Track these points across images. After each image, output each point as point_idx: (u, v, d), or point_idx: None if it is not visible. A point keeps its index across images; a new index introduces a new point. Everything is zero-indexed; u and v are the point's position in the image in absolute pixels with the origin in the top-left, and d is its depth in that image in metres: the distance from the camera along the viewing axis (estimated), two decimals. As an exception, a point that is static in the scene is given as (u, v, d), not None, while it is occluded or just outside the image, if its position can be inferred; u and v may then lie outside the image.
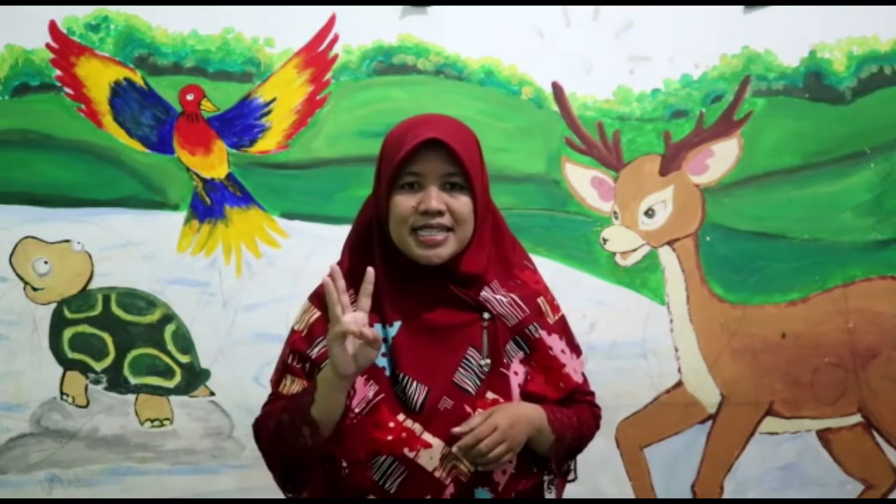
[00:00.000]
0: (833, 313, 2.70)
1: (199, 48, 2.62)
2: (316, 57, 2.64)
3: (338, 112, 2.64)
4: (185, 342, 2.66)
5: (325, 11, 2.63)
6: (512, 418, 1.52)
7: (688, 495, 2.72)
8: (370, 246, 1.61)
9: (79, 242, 2.64)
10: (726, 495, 2.72)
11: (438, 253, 1.54)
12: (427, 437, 1.51)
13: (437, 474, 1.51)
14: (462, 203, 1.55)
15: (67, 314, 2.65)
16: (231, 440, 2.67)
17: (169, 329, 2.65)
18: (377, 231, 1.60)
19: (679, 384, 2.70)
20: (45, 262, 2.64)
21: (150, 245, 2.64)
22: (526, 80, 2.65)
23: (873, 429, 2.72)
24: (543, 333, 1.62)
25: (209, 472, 2.67)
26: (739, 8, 2.66)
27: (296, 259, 2.62)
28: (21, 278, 2.64)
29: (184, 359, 2.66)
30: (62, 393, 2.65)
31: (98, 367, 2.65)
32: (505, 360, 1.57)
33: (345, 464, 1.52)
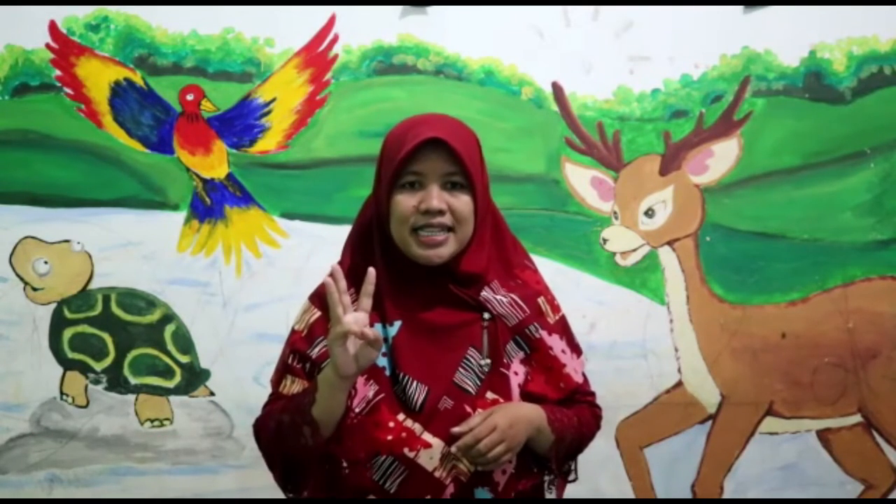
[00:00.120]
0: (833, 313, 2.70)
1: (199, 48, 2.62)
2: (316, 57, 2.64)
3: (338, 112, 2.64)
4: (185, 342, 2.66)
5: (325, 11, 2.63)
6: (511, 418, 1.52)
7: (688, 495, 2.72)
8: (370, 245, 1.61)
9: (79, 242, 2.64)
10: (726, 495, 2.72)
11: (439, 253, 1.54)
12: (427, 436, 1.51)
13: (437, 474, 1.51)
14: (463, 202, 1.55)
15: (67, 314, 2.65)
16: (231, 440, 2.67)
17: (169, 329, 2.65)
18: (377, 230, 1.60)
19: (679, 384, 2.70)
20: (45, 262, 2.64)
21: (150, 245, 2.64)
22: (526, 80, 2.65)
23: (873, 429, 2.72)
24: (544, 333, 1.62)
25: (209, 472, 2.67)
26: (739, 8, 2.67)
27: (296, 259, 2.62)
28: (21, 278, 2.64)
29: (184, 359, 2.66)
30: (62, 393, 2.65)
31: (98, 367, 2.65)
32: (505, 360, 1.57)
33: (345, 464, 1.52)
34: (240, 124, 2.64)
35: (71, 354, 2.65)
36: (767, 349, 2.70)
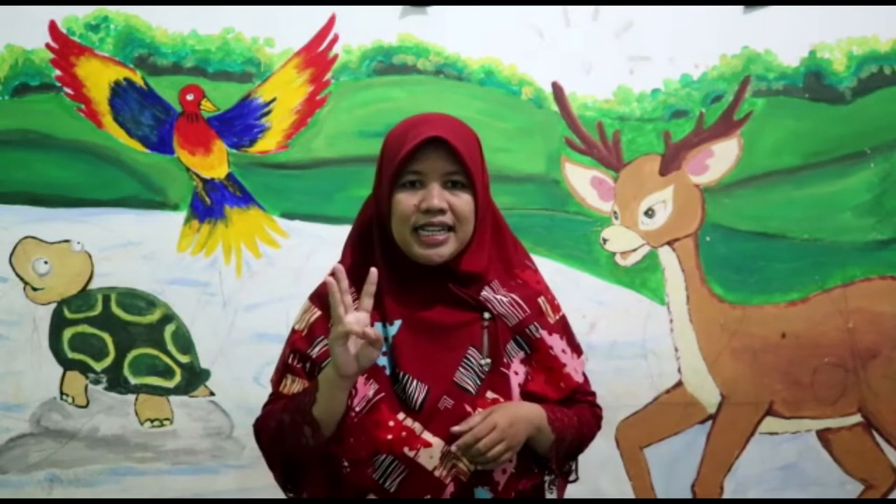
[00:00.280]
0: (833, 313, 2.70)
1: (199, 48, 2.62)
2: (316, 57, 2.64)
3: (338, 112, 2.64)
4: (185, 342, 2.66)
5: (325, 11, 2.63)
6: (511, 417, 1.52)
7: (688, 495, 2.72)
8: (371, 245, 1.61)
9: (79, 242, 2.64)
10: (726, 495, 2.72)
11: (439, 252, 1.54)
12: (427, 436, 1.51)
13: (437, 473, 1.51)
14: (463, 201, 1.55)
15: (67, 314, 2.65)
16: (231, 440, 2.67)
17: (169, 329, 2.65)
18: (378, 230, 1.60)
19: (679, 384, 2.70)
20: (45, 262, 2.64)
21: (150, 245, 2.64)
22: (526, 80, 2.65)
23: (873, 429, 2.72)
24: (544, 333, 1.62)
25: (209, 472, 2.67)
26: (739, 8, 2.67)
27: (296, 259, 2.62)
28: (21, 278, 2.63)
29: (184, 359, 2.66)
30: (62, 393, 2.65)
31: (98, 367, 2.65)
32: (505, 360, 1.57)
33: (346, 463, 1.52)
34: (240, 124, 2.64)
35: (71, 354, 2.65)
36: (767, 349, 2.70)
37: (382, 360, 1.53)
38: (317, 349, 1.58)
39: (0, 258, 2.62)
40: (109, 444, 2.66)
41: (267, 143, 2.65)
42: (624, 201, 2.69)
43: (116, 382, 2.66)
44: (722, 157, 2.68)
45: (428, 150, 1.54)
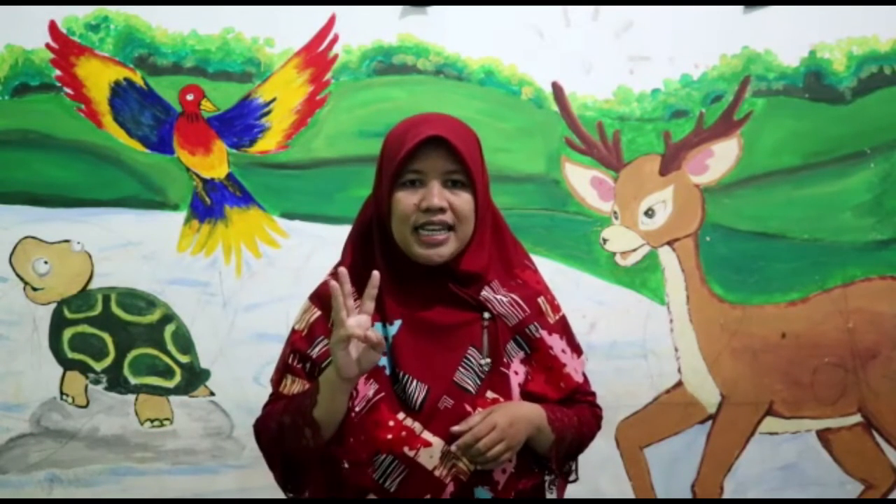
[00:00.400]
0: (833, 313, 2.70)
1: (199, 48, 2.62)
2: (316, 57, 2.64)
3: (338, 112, 2.64)
4: (185, 342, 2.66)
5: (325, 11, 2.63)
6: (511, 417, 1.52)
7: (688, 495, 2.72)
8: (371, 245, 1.61)
9: (79, 242, 2.64)
10: (726, 495, 2.72)
11: (439, 252, 1.54)
12: (427, 435, 1.51)
13: (437, 473, 1.51)
14: (464, 200, 1.56)
15: (67, 314, 2.65)
16: (231, 440, 2.67)
17: (169, 329, 2.65)
18: (378, 230, 1.60)
19: (679, 384, 2.70)
20: (45, 262, 2.64)
21: (150, 245, 2.64)
22: (526, 80, 2.65)
23: (873, 429, 2.72)
24: (544, 333, 1.62)
25: (209, 472, 2.67)
26: (739, 8, 2.67)
27: (296, 259, 2.62)
28: (21, 278, 2.63)
29: (184, 359, 2.66)
30: (62, 393, 2.65)
31: (98, 367, 2.65)
32: (505, 360, 1.57)
33: (346, 465, 1.51)
34: (240, 124, 2.64)
35: (71, 354, 2.65)
36: (767, 349, 2.70)
37: (382, 360, 1.53)
38: (317, 349, 1.58)
39: (0, 258, 2.62)
40: (109, 444, 2.66)
41: (267, 143, 2.65)
42: (624, 201, 2.69)
43: (116, 382, 2.66)
44: (722, 157, 2.68)
45: (428, 149, 1.54)
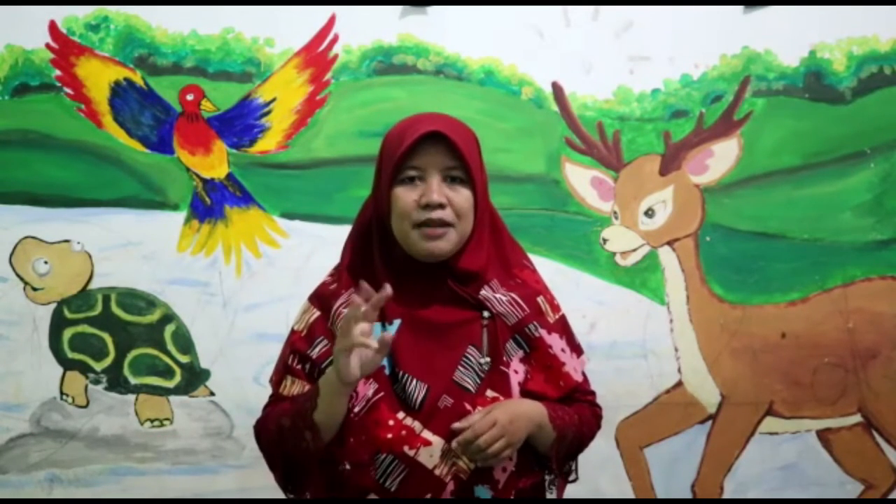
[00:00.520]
0: (833, 313, 2.70)
1: (199, 48, 2.62)
2: (316, 57, 2.64)
3: (338, 112, 2.64)
4: (185, 342, 2.66)
5: (325, 11, 2.63)
6: (511, 414, 1.52)
7: (688, 495, 2.72)
8: (370, 245, 1.61)
9: (79, 242, 2.64)
10: (726, 495, 2.72)
11: (439, 245, 1.54)
12: (427, 434, 1.51)
13: (437, 472, 1.51)
14: (463, 196, 1.56)
15: (67, 314, 2.65)
16: (231, 440, 2.67)
17: (169, 329, 2.65)
18: (377, 229, 1.60)
19: (679, 384, 2.70)
20: (45, 262, 2.64)
21: (150, 245, 2.64)
22: (526, 80, 2.65)
23: (873, 429, 2.72)
24: (543, 332, 1.62)
25: (209, 472, 2.67)
26: (739, 8, 2.67)
27: (296, 259, 2.62)
28: (21, 278, 2.63)
29: (184, 359, 2.66)
30: (62, 393, 2.65)
31: (98, 367, 2.65)
32: (505, 359, 1.57)
33: (347, 466, 1.51)
34: (240, 124, 2.64)
35: (71, 354, 2.65)
36: (767, 349, 2.70)
37: (382, 360, 1.53)
38: (317, 350, 1.58)
39: (0, 258, 2.62)
40: (109, 444, 2.66)
41: (267, 143, 2.65)
42: (624, 201, 2.69)
43: (116, 382, 2.66)
44: (722, 157, 2.68)
45: (427, 145, 1.54)
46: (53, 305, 2.65)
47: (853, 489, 2.73)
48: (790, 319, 2.70)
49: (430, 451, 1.51)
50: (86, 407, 2.66)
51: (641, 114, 2.68)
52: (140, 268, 2.64)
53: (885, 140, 2.68)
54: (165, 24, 2.61)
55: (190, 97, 2.61)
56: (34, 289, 2.64)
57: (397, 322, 1.56)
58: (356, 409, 1.51)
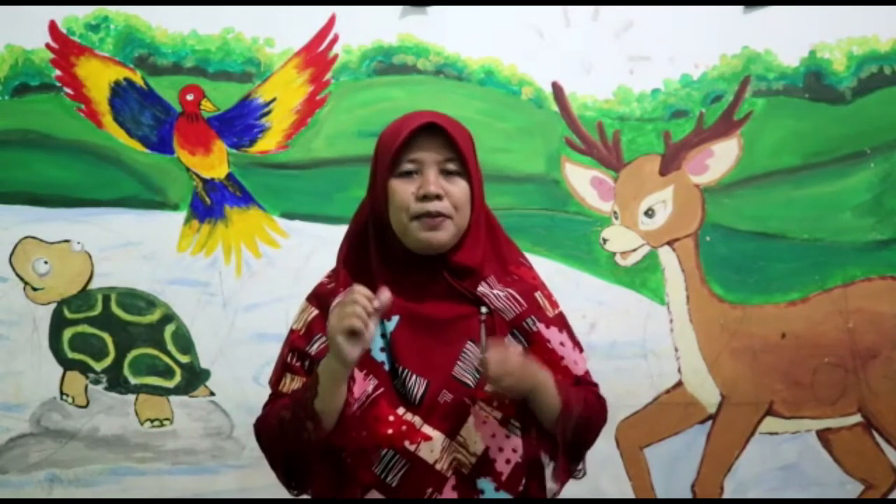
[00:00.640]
0: (833, 313, 2.70)
1: (199, 48, 2.62)
2: (316, 57, 2.64)
3: (338, 112, 2.64)
4: (185, 342, 2.66)
5: (325, 11, 2.63)
6: (525, 359, 1.52)
7: (688, 495, 2.72)
8: (367, 244, 1.62)
9: (79, 242, 2.64)
10: (726, 495, 2.72)
11: (438, 236, 1.55)
12: (427, 429, 1.52)
13: (437, 467, 1.52)
14: (460, 188, 1.57)
15: (67, 314, 2.65)
16: (231, 440, 2.67)
17: (169, 329, 2.65)
18: (374, 227, 1.61)
19: (679, 384, 2.70)
20: (45, 262, 2.64)
21: (150, 245, 2.64)
22: (526, 80, 2.65)
23: (873, 429, 2.72)
24: (541, 326, 1.62)
25: (209, 472, 2.67)
26: (739, 8, 2.67)
27: (296, 259, 2.62)
28: (21, 278, 2.64)
29: (184, 359, 2.66)
30: (62, 393, 2.65)
31: (98, 367, 2.65)
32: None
33: (349, 459, 1.52)
34: (240, 124, 2.64)
35: (71, 354, 2.65)
36: (767, 349, 2.70)
37: (381, 356, 1.55)
38: (315, 346, 1.59)
39: (0, 258, 2.62)
40: (109, 444, 2.66)
41: (267, 143, 2.65)
42: (624, 201, 2.69)
43: (116, 382, 2.66)
44: (722, 157, 2.68)
45: (423, 139, 1.56)
46: (53, 305, 2.65)
47: (853, 489, 2.73)
48: (790, 319, 2.70)
49: (431, 446, 1.51)
50: (86, 407, 2.66)
51: (641, 114, 2.68)
52: (140, 268, 2.64)
53: (885, 140, 2.68)
54: (165, 24, 2.61)
55: (190, 97, 2.62)
56: (34, 289, 2.64)
57: (396, 318, 1.56)
58: (356, 405, 1.52)
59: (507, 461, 1.55)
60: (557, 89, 2.66)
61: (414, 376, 1.53)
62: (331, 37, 2.64)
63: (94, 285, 2.64)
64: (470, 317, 1.58)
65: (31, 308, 2.64)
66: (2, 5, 2.59)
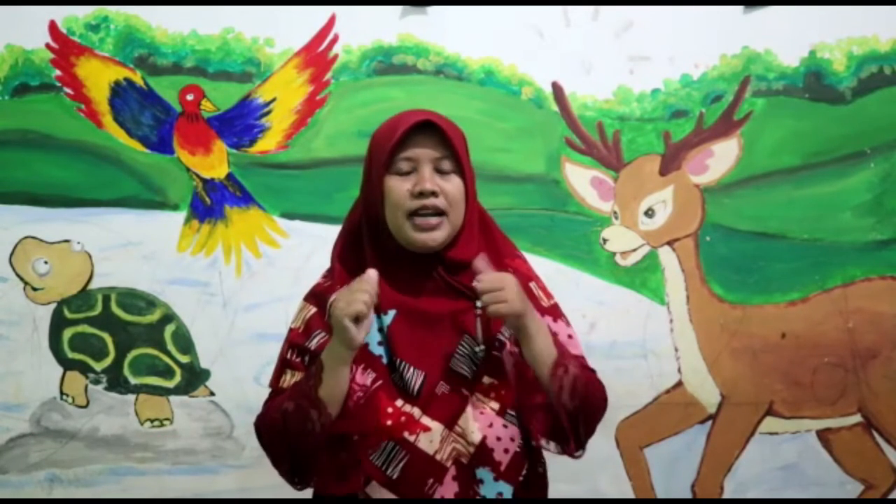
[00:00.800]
0: (833, 313, 2.70)
1: (199, 48, 2.62)
2: (316, 57, 2.64)
3: (338, 112, 2.64)
4: (185, 342, 2.66)
5: (325, 11, 2.63)
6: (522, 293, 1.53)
7: (688, 495, 2.72)
8: (361, 242, 1.63)
9: (79, 242, 2.64)
10: (726, 495, 2.72)
11: (433, 237, 1.57)
12: (426, 420, 1.53)
13: (437, 457, 1.53)
14: (454, 185, 1.58)
15: (67, 314, 2.65)
16: (231, 440, 2.67)
17: (169, 329, 2.65)
18: (368, 225, 1.62)
19: (679, 384, 2.70)
20: (45, 262, 2.64)
21: (150, 245, 2.64)
22: (526, 80, 2.65)
23: (873, 429, 2.72)
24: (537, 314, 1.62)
25: (209, 472, 2.67)
26: (739, 8, 2.67)
27: (296, 259, 2.62)
28: (21, 278, 2.64)
29: (184, 359, 2.66)
30: (62, 393, 2.65)
31: (98, 367, 2.65)
32: (497, 344, 1.59)
33: (356, 437, 1.52)
34: (240, 124, 2.64)
35: (71, 354, 2.65)
36: (767, 349, 2.70)
37: (379, 350, 1.56)
38: (314, 341, 1.60)
39: (0, 258, 2.62)
40: (109, 444, 2.66)
41: (267, 143, 2.65)
42: (624, 201, 2.69)
43: (116, 382, 2.66)
44: (722, 157, 2.68)
45: (418, 136, 1.57)
46: (53, 305, 2.65)
47: (853, 489, 2.73)
48: (790, 319, 2.70)
49: (430, 437, 1.53)
50: (86, 407, 2.66)
51: (641, 114, 2.68)
52: (140, 268, 2.64)
53: (885, 140, 2.68)
54: (165, 24, 2.61)
55: (190, 97, 2.62)
56: (34, 289, 2.64)
57: (392, 313, 1.57)
58: (355, 398, 1.53)
59: (506, 451, 1.56)
60: (557, 89, 2.66)
61: (412, 369, 1.55)
62: (331, 37, 2.64)
63: (94, 285, 2.65)
64: (466, 311, 1.58)
65: (31, 308, 2.64)
66: (2, 5, 2.59)
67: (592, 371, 1.69)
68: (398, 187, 1.57)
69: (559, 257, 2.66)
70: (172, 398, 2.67)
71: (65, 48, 2.60)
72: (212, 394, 2.66)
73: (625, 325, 2.68)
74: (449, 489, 1.53)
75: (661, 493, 2.71)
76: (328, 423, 1.51)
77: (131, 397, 2.66)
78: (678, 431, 2.71)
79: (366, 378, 1.54)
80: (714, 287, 2.69)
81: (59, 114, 2.61)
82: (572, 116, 2.67)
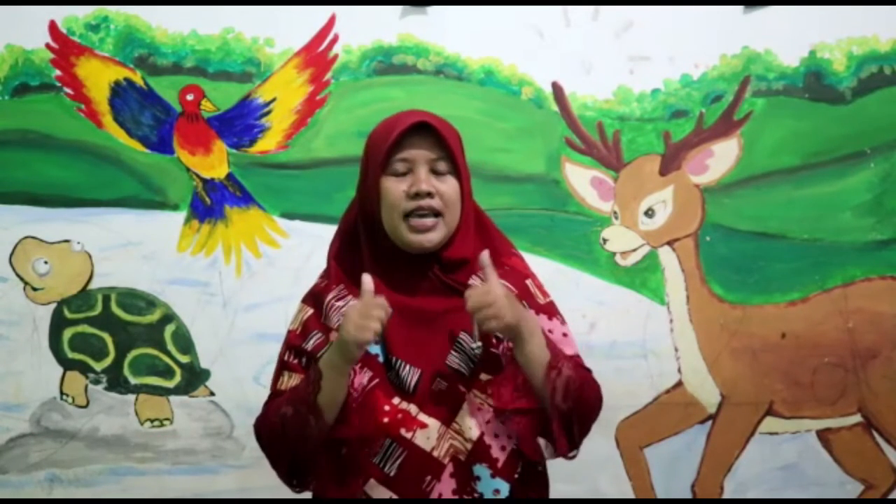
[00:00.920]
0: (833, 313, 2.70)
1: (199, 48, 2.62)
2: (316, 57, 2.64)
3: (338, 112, 2.64)
4: (185, 342, 2.66)
5: (325, 11, 2.63)
6: (513, 300, 1.52)
7: (688, 495, 2.72)
8: (357, 242, 1.63)
9: (79, 242, 2.64)
10: (726, 495, 2.72)
11: (429, 238, 1.57)
12: (423, 417, 1.53)
13: (434, 454, 1.53)
14: (450, 186, 1.59)
15: (67, 314, 2.65)
16: (231, 440, 2.67)
17: (169, 329, 2.65)
18: (364, 225, 1.63)
19: (679, 384, 2.70)
20: (45, 262, 2.64)
21: (150, 245, 2.64)
22: (526, 80, 2.65)
23: (873, 429, 2.72)
24: (531, 313, 1.62)
25: (209, 472, 2.67)
26: (739, 8, 2.67)
27: (296, 259, 2.62)
28: (21, 278, 2.64)
29: (184, 359, 2.66)
30: (62, 393, 2.65)
31: (98, 367, 2.65)
32: (494, 341, 1.59)
33: (353, 446, 1.52)
34: (240, 124, 2.64)
35: (71, 354, 2.65)
36: (767, 349, 2.70)
37: (375, 349, 1.56)
38: (311, 342, 1.60)
39: (0, 258, 2.62)
40: (109, 444, 2.66)
41: (267, 143, 2.65)
42: (624, 201, 2.69)
43: (116, 382, 2.66)
44: (722, 157, 2.68)
45: (414, 137, 1.58)
46: (53, 305, 2.65)
47: (853, 489, 2.73)
48: (790, 319, 2.70)
49: (427, 434, 1.53)
50: (86, 407, 2.66)
51: (641, 114, 2.68)
52: (140, 268, 2.64)
53: (885, 140, 2.68)
54: (165, 24, 2.61)
55: (190, 97, 2.62)
56: (34, 289, 2.64)
57: (388, 311, 1.57)
58: (352, 398, 1.53)
59: (503, 448, 1.56)
60: (557, 89, 2.66)
61: (407, 366, 1.55)
62: (331, 37, 2.64)
63: (94, 285, 2.65)
64: (462, 309, 1.57)
65: (31, 308, 2.64)
66: (2, 5, 2.59)
67: (587, 370, 1.68)
68: (394, 188, 1.58)
69: (559, 257, 2.66)
70: (172, 398, 2.67)
71: (65, 48, 2.61)
72: (212, 394, 2.66)
73: (625, 325, 2.68)
74: (446, 486, 1.53)
75: (661, 493, 2.71)
76: (325, 428, 1.51)
77: (131, 397, 2.66)
78: (678, 431, 2.71)
79: (362, 377, 1.55)
80: (714, 287, 2.69)
81: (59, 114, 2.61)
82: (572, 116, 2.67)
